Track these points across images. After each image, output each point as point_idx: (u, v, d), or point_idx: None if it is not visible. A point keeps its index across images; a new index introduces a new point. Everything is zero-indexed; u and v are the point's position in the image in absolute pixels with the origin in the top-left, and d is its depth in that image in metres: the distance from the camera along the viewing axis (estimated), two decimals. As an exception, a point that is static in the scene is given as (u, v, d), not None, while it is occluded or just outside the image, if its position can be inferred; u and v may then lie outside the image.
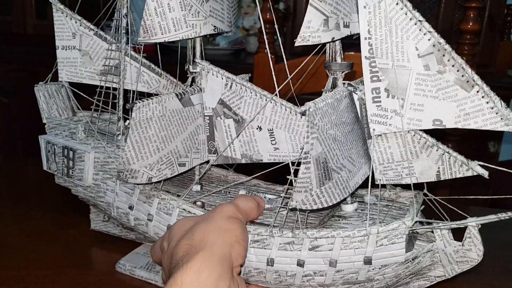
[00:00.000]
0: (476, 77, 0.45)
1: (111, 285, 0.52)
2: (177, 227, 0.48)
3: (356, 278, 0.49)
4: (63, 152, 0.65)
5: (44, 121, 0.72)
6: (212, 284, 0.41)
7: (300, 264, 0.49)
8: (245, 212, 0.51)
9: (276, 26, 0.68)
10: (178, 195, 0.58)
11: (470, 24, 1.00)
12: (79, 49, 0.70)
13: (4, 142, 1.79)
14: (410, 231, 0.49)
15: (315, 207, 0.48)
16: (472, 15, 1.00)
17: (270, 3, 1.05)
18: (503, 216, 0.44)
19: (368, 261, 0.48)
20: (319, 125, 0.47)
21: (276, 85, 0.60)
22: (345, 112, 0.51)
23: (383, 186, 0.57)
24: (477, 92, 0.45)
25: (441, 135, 1.07)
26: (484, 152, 1.61)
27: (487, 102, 0.45)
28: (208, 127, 0.61)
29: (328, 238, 0.49)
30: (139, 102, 0.56)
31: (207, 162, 0.63)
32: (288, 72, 0.64)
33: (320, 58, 1.07)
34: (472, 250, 0.48)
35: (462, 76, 0.46)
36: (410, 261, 0.49)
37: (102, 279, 0.53)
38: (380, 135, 0.52)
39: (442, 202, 0.54)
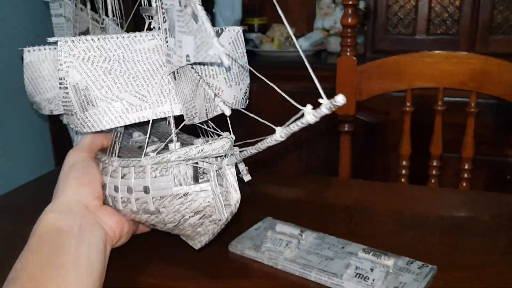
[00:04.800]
0: (199, 8, 0.41)
1: (226, 261, 0.61)
2: None
3: (149, 208, 0.53)
4: None
5: None
6: (56, 232, 0.49)
7: (116, 190, 0.55)
8: (87, 145, 0.59)
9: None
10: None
11: None
12: (64, 16, 0.79)
13: (61, 152, 1.90)
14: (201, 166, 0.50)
15: (84, 130, 0.52)
16: None
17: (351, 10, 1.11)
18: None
19: (146, 190, 0.52)
20: (80, 56, 0.50)
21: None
22: (147, 53, 0.53)
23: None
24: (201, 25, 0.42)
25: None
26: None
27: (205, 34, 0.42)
28: None
29: (128, 167, 0.54)
30: (28, 47, 0.66)
31: None
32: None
33: (405, 58, 1.11)
34: (231, 193, 0.47)
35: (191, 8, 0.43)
36: (182, 196, 0.51)
37: (218, 257, 0.62)
38: (179, 74, 0.53)
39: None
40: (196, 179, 0.52)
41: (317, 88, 0.32)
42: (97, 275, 0.49)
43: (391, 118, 1.63)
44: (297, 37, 1.94)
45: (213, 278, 0.57)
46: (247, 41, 2.05)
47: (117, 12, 0.63)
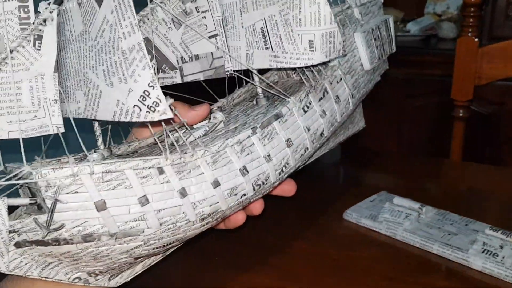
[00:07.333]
0: None
1: (341, 228, 0.62)
2: None
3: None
4: None
5: None
6: None
7: None
8: None
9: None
10: None
11: None
12: None
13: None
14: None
15: None
16: None
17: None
18: None
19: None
20: None
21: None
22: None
23: None
24: None
25: None
26: None
27: None
28: None
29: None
30: None
31: None
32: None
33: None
34: None
35: None
36: None
37: (333, 224, 0.63)
38: None
39: None
40: None
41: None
42: None
43: (506, 109, 1.53)
44: (407, 21, 1.88)
45: (331, 243, 0.58)
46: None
47: None
